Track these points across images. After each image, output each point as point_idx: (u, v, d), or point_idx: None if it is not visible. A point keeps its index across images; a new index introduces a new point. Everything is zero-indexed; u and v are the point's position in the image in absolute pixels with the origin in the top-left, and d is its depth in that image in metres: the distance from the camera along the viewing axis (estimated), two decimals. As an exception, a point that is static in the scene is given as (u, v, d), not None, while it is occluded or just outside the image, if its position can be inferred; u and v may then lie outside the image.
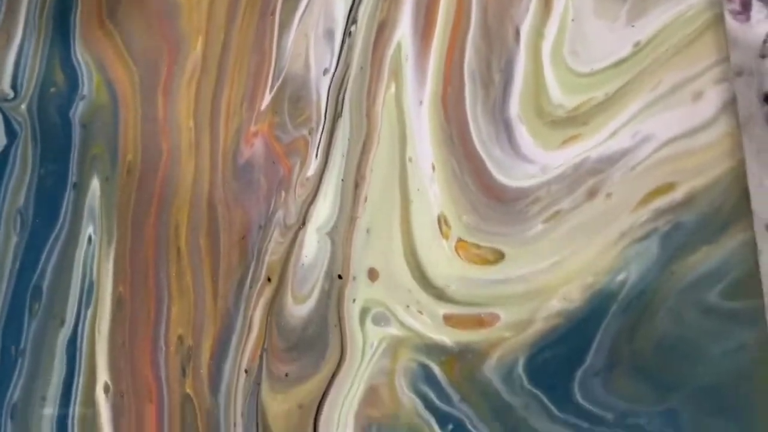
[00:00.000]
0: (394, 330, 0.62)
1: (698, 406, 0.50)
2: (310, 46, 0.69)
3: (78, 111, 0.81)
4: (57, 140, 0.82)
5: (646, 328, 0.52)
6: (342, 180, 0.67)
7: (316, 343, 0.65)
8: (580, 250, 0.55)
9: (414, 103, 0.63)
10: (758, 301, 0.48)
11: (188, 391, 0.70)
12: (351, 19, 0.67)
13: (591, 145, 0.55)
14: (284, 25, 0.70)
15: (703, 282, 0.50)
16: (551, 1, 0.57)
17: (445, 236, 0.61)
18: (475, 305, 0.59)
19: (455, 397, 0.59)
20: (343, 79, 0.66)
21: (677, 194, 0.52)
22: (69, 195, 0.80)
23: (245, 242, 0.70)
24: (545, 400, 0.56)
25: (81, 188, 0.80)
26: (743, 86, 0.49)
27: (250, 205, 0.71)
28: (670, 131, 0.52)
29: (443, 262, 0.60)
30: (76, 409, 0.73)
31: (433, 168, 0.62)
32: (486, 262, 0.59)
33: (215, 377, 0.69)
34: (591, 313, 0.54)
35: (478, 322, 0.59)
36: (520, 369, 0.57)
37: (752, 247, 0.49)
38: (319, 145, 0.68)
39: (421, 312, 0.61)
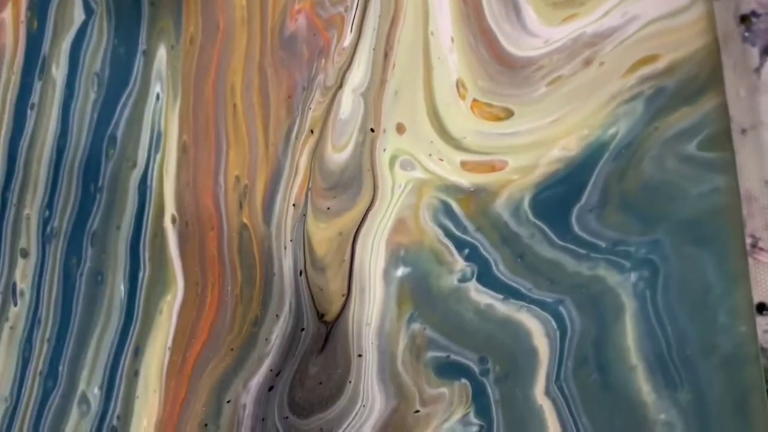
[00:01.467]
0: (418, 174, 0.68)
1: (678, 237, 0.57)
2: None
3: (147, -9, 0.79)
4: (128, 16, 0.85)
5: (633, 173, 0.59)
6: (373, 49, 0.71)
7: (352, 184, 0.71)
8: (577, 108, 0.61)
9: (437, -15, 0.62)
10: (729, 153, 0.54)
11: (245, 221, 0.75)
12: None
13: (587, 22, 0.61)
14: None
15: (683, 136, 0.56)
16: None
17: (462, 97, 0.66)
18: (487, 153, 0.65)
19: (471, 227, 0.66)
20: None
21: (660, 64, 0.58)
22: (139, 61, 0.84)
23: (291, 100, 0.75)
24: (547, 230, 0.63)
25: (149, 55, 0.83)
26: (722, 9, 0.53)
27: (294, 69, 0.75)
28: (654, 12, 0.58)
29: (460, 118, 0.66)
30: (147, 235, 0.79)
31: (452, 40, 0.67)
32: (497, 118, 0.65)
33: (268, 210, 0.74)
34: (586, 160, 0.60)
35: (490, 167, 0.65)
36: (525, 205, 0.64)
37: (724, 109, 0.54)
38: (353, 20, 0.72)
39: (441, 159, 0.67)
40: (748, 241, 0.52)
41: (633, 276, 0.60)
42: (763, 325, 0.53)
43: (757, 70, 0.50)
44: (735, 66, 0.51)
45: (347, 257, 0.71)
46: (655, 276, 0.59)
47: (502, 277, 0.64)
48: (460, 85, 0.66)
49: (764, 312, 0.53)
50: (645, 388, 0.60)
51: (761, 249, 0.52)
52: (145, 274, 0.75)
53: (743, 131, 0.52)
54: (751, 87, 0.50)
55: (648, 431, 0.59)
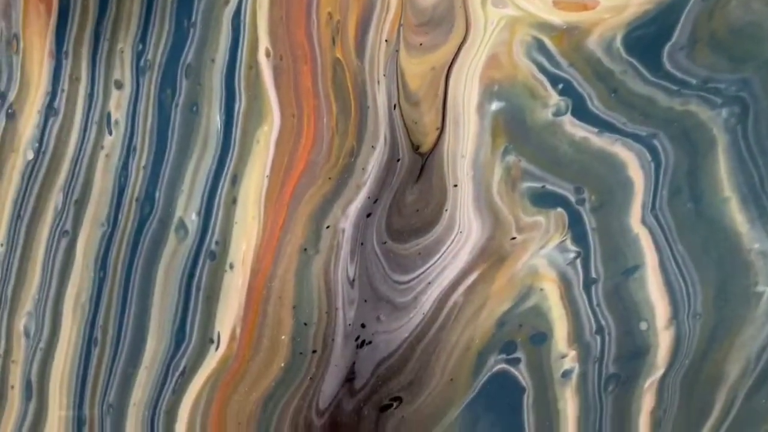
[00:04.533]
0: (510, 11, 0.69)
1: (766, 76, 0.60)
2: None
3: None
4: None
5: (721, 13, 0.62)
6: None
7: (443, 21, 0.72)
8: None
9: None
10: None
11: (338, 55, 0.76)
12: None
13: None
14: None
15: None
16: None
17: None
18: (579, -3, 0.64)
19: (564, 63, 0.68)
20: None
21: None
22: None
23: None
24: (640, 67, 0.65)
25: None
26: None
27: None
28: None
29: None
30: (241, 68, 0.80)
31: None
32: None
33: (360, 45, 0.76)
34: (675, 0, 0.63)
35: (582, 6, 0.67)
36: (618, 43, 0.66)
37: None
38: None
39: (533, -1, 0.66)
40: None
41: (724, 112, 0.63)
42: None
43: None
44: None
45: (440, 92, 0.72)
46: (746, 112, 0.63)
47: (597, 111, 0.67)
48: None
49: None
50: (739, 218, 0.64)
51: None
52: (240, 106, 0.77)
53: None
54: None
55: (742, 259, 0.63)
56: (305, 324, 0.73)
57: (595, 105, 0.68)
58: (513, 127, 0.71)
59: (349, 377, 0.71)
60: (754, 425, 0.61)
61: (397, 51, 0.73)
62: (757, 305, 0.62)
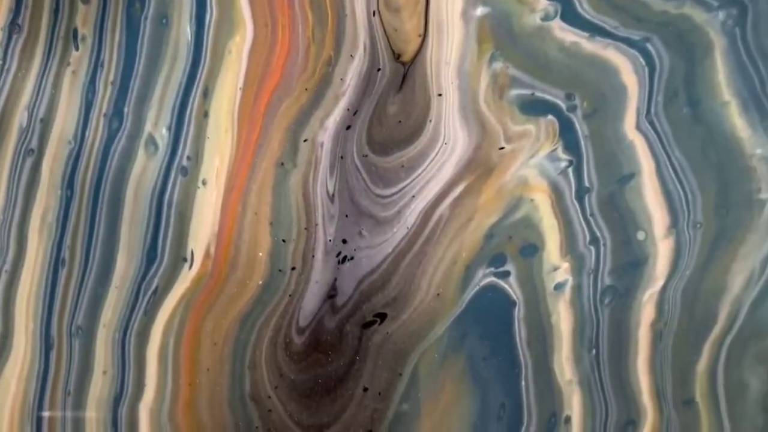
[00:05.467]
0: None
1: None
2: None
3: None
4: None
5: None
6: None
7: None
8: None
9: None
10: None
11: None
12: None
13: None
14: None
15: None
16: None
17: None
18: None
19: None
20: None
21: None
22: None
23: None
24: None
25: None
26: None
27: None
28: None
29: None
30: None
31: None
32: None
33: None
34: None
35: None
36: None
37: None
38: None
39: None
40: None
41: (721, 14, 0.59)
42: None
43: None
44: None
45: (423, -3, 0.64)
46: (744, 15, 0.58)
47: (587, 15, 0.62)
48: None
49: None
50: (739, 123, 0.59)
51: None
52: (211, 16, 0.71)
53: None
54: None
55: (744, 165, 0.59)
56: (283, 240, 0.65)
57: (585, 9, 0.63)
58: (500, 32, 0.65)
59: (331, 294, 0.64)
60: (760, 337, 0.54)
61: (376, -46, 0.65)
62: (761, 213, 0.57)
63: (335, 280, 0.66)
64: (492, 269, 0.63)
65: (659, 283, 0.59)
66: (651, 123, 0.60)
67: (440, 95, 0.66)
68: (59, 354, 0.72)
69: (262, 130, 0.69)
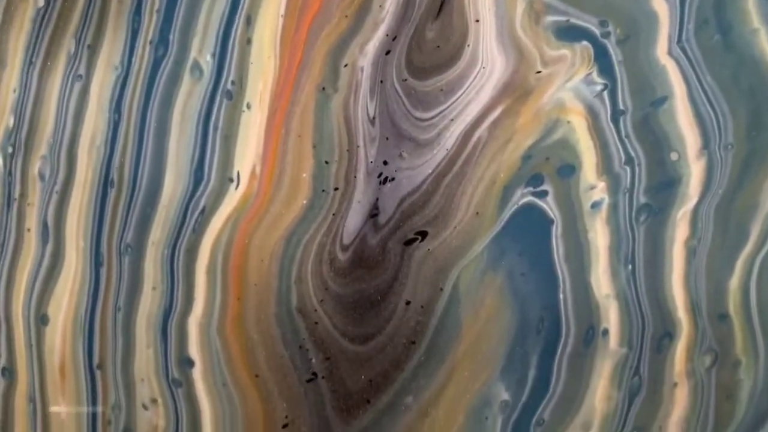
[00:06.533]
0: None
1: None
2: None
3: None
4: None
5: None
6: None
7: None
8: None
9: None
10: None
11: None
12: None
13: None
14: None
15: None
16: None
17: None
18: None
19: None
20: None
21: None
22: None
23: None
24: None
25: None
26: None
27: None
28: None
29: None
30: None
31: None
32: None
33: None
34: None
35: None
36: None
37: None
38: None
39: None
40: None
41: None
42: None
43: None
44: None
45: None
46: None
47: None
48: None
49: None
50: None
51: None
52: None
53: None
54: None
55: None
56: (326, 162, 0.63)
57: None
58: (536, -40, 0.63)
59: (373, 213, 0.62)
60: (792, 253, 0.53)
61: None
62: None
63: (377, 199, 0.64)
64: (530, 189, 0.61)
65: (692, 201, 0.57)
66: (683, 49, 0.58)
67: (477, 21, 0.64)
68: (109, 271, 0.70)
69: (303, 55, 0.66)
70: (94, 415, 0.70)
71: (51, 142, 0.73)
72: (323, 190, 0.67)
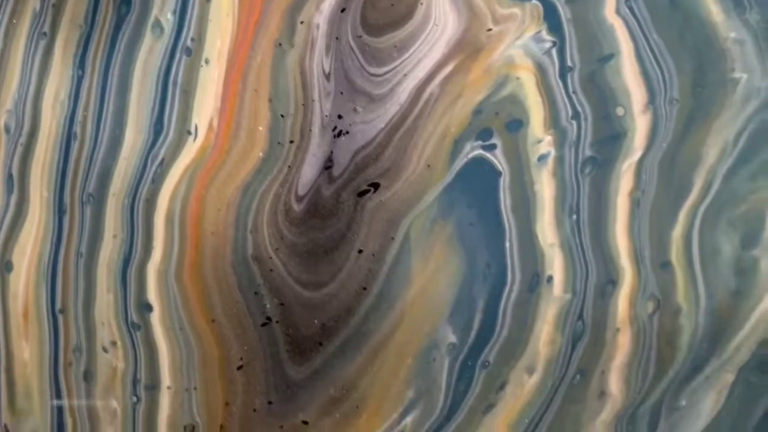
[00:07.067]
0: None
1: None
2: None
3: None
4: None
5: None
6: None
7: None
8: None
9: None
10: None
11: None
12: None
13: None
14: None
15: None
16: None
17: None
18: None
19: None
20: None
21: None
22: None
23: None
24: None
25: None
26: None
27: None
28: None
29: None
30: None
31: None
32: None
33: None
34: None
35: None
36: None
37: None
38: None
39: None
40: None
41: None
42: None
43: None
44: None
45: None
46: None
47: None
48: None
49: None
50: (714, 9, 0.52)
51: None
52: None
53: None
54: None
55: (718, 47, 0.53)
56: (282, 115, 0.55)
57: None
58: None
59: (327, 165, 0.55)
60: (733, 205, 0.45)
61: None
62: (734, 91, 0.49)
63: (331, 152, 0.57)
64: (479, 142, 0.54)
65: (637, 154, 0.51)
66: (630, 8, 0.53)
67: (430, -20, 0.55)
68: (72, 220, 0.61)
69: (261, 13, 0.58)
70: (56, 357, 0.62)
71: (16, 97, 0.65)
72: (279, 143, 0.59)
